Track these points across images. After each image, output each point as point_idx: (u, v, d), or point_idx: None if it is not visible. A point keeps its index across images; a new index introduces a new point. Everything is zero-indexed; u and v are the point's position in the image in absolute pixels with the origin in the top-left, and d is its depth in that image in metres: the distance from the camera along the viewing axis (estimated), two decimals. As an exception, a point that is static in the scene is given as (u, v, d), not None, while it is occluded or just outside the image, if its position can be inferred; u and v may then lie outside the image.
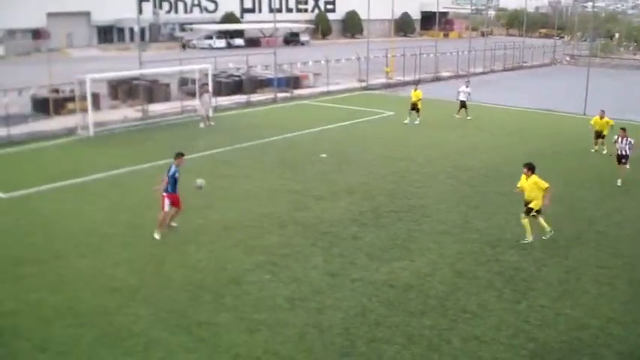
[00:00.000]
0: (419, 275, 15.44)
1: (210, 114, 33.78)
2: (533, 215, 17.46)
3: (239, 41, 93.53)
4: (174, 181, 17.24)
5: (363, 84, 49.70)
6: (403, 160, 26.84)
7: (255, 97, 41.93)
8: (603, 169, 25.04)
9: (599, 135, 28.75)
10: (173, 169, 17.23)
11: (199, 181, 17.77)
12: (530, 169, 17.35)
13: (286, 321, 13.11)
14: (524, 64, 72.49)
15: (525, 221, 17.45)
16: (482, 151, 28.92)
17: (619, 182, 23.60)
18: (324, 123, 34.35)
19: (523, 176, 17.51)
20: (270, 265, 15.78)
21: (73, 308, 13.47)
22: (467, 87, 37.57)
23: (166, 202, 17.24)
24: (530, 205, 17.36)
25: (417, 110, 34.99)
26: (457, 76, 56.78)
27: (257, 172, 24.17)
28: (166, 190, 17.20)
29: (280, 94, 43.19)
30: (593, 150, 28.69)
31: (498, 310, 13.84)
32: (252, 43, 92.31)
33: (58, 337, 12.36)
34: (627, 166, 23.92)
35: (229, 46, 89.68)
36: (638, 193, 23.04)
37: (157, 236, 17.25)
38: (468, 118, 36.71)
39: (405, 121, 34.78)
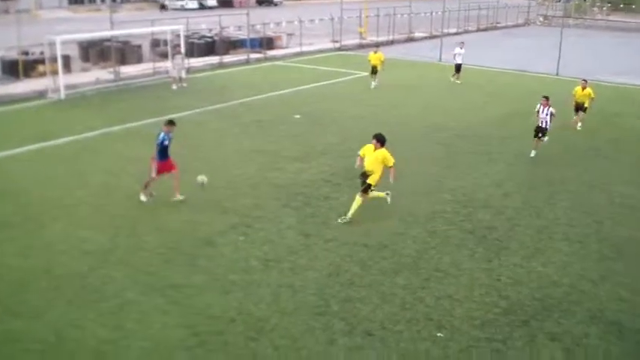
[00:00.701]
0: (392, 235, 15.53)
1: (183, 75, 33.41)
2: (370, 191, 16.13)
3: (211, 2, 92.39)
4: (162, 148, 16.75)
5: (337, 45, 49.37)
6: (376, 120, 26.78)
7: (228, 59, 41.54)
8: (577, 130, 25.20)
9: (579, 107, 26.30)
10: (161, 136, 16.70)
11: (200, 178, 17.27)
12: (380, 141, 15.80)
13: (260, 282, 13.14)
14: (499, 25, 72.46)
15: (359, 200, 16.04)
16: (456, 112, 29.00)
17: (533, 153, 22.16)
18: (297, 84, 34.19)
19: (369, 145, 16.03)
20: (244, 226, 15.77)
21: (46, 272, 13.36)
22: (461, 49, 36.75)
23: (153, 167, 16.87)
24: (369, 181, 15.92)
25: (376, 73, 34.14)
26: (431, 37, 56.66)
27: (230, 134, 24.04)
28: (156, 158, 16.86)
29: (253, 55, 42.85)
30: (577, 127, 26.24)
31: (471, 269, 13.98)
32: (225, 3, 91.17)
33: (31, 301, 12.27)
34: (545, 139, 22.20)
35: (202, 7, 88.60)
36: (611, 153, 23.31)
37: (142, 198, 17.10)
38: (451, 79, 36.47)
39: (372, 86, 34.15)
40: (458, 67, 36.59)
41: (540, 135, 22.08)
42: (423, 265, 14.10)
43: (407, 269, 13.86)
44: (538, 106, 22.28)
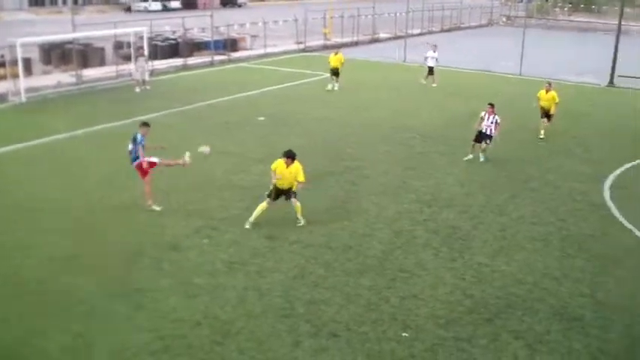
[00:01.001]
0: (357, 236, 15.60)
1: (147, 78, 33.18)
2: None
3: (175, 4, 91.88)
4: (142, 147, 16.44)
5: (301, 46, 49.39)
6: (341, 121, 26.91)
7: (192, 61, 41.33)
8: (539, 138, 25.45)
9: (545, 113, 25.21)
10: (140, 136, 16.39)
11: (202, 149, 16.90)
12: (290, 157, 15.55)
13: (225, 285, 13.10)
14: (462, 25, 73.04)
15: (298, 205, 16.03)
16: (421, 112, 29.21)
17: (470, 156, 21.81)
18: (261, 86, 34.12)
19: (280, 162, 15.65)
20: (209, 229, 15.71)
21: (10, 278, 13.20)
22: (434, 52, 36.28)
23: (165, 162, 16.63)
24: (293, 189, 15.90)
25: (337, 75, 33.73)
26: (395, 38, 56.91)
27: (195, 136, 23.84)
28: (136, 159, 16.45)
29: (217, 57, 42.68)
30: (541, 136, 25.16)
31: (435, 269, 14.09)
32: (189, 5, 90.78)
33: (-7, 308, 12.15)
34: (486, 145, 21.68)
35: (165, 8, 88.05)
36: (574, 152, 23.64)
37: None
38: (423, 82, 36.14)
39: (328, 88, 33.76)
40: (431, 70, 36.21)
41: (488, 142, 21.59)
42: (388, 265, 14.16)
43: (372, 270, 13.92)
44: (483, 113, 21.68)
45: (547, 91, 25.23)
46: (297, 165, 15.69)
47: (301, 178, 15.73)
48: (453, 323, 12.02)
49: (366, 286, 13.22)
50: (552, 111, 25.05)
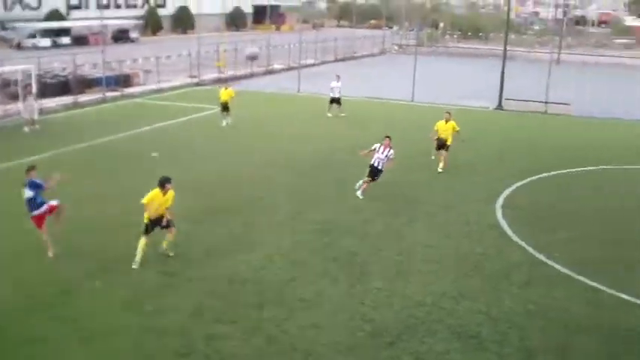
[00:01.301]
0: (256, 268, 15.46)
1: (36, 117, 32.15)
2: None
3: (65, 40, 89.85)
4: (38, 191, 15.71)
5: (195, 80, 49.10)
6: (236, 154, 26.81)
7: (84, 98, 40.31)
8: (431, 153, 25.99)
9: (442, 145, 24.38)
10: (38, 181, 15.70)
11: (250, 51, 15.68)
12: (167, 183, 15.47)
13: (121, 327, 12.69)
14: (355, 55, 74.36)
15: (171, 235, 15.90)
16: (315, 142, 29.41)
17: (360, 194, 20.94)
18: (155, 121, 33.54)
19: (155, 192, 15.37)
20: (102, 271, 15.18)
21: None
22: (338, 82, 36.00)
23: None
24: (167, 217, 15.71)
25: (228, 110, 33.00)
26: (289, 69, 57.35)
27: (86, 176, 23.15)
28: (41, 205, 15.77)
29: (110, 94, 41.82)
30: (433, 157, 25.13)
31: (334, 296, 14.13)
32: (80, 41, 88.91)
33: None
34: (374, 181, 20.98)
35: (55, 44, 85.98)
36: (467, 174, 24.24)
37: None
38: (328, 115, 35.93)
39: (223, 124, 32.94)
40: (335, 100, 35.94)
41: (376, 178, 20.90)
42: (287, 296, 14.09)
43: (271, 302, 13.79)
44: (377, 145, 20.98)
45: (447, 121, 24.37)
46: (172, 192, 15.51)
47: (169, 203, 15.54)
48: (354, 349, 12.05)
49: (266, 318, 13.09)
50: (450, 141, 24.28)
